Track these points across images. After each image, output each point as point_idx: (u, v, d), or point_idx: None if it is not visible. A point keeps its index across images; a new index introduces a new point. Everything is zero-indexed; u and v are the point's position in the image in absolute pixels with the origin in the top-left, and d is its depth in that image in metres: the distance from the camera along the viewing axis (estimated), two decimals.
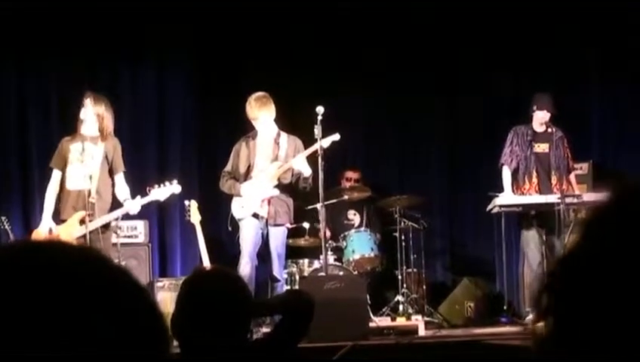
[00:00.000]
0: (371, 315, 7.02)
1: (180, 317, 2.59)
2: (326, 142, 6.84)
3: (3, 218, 7.43)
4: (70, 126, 6.97)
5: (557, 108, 7.61)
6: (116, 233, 6.88)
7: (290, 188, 7.15)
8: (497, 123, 8.54)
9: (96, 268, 0.85)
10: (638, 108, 8.92)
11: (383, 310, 7.75)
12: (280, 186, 7.08)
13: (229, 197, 7.23)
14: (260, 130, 7.13)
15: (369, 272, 8.03)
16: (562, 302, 0.88)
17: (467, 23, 8.95)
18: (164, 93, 9.01)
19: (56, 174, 6.82)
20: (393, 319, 7.47)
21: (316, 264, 7.60)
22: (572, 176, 7.78)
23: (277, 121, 7.17)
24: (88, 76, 8.53)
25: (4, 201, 8.20)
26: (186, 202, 7.33)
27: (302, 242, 7.94)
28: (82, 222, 6.54)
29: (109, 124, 6.77)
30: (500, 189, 7.58)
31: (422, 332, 6.89)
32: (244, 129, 7.30)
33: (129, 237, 7.93)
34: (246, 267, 6.86)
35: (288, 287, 7.40)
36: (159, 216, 8.65)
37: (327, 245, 7.24)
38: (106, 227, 6.65)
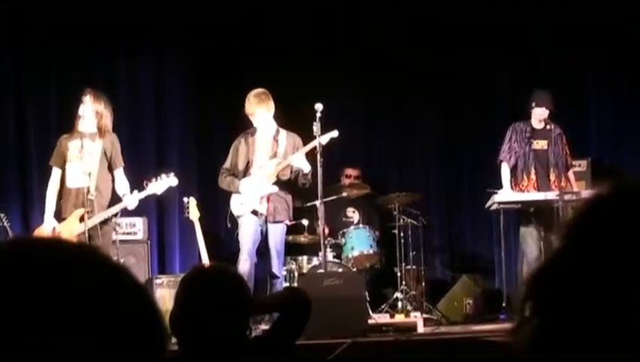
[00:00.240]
0: (370, 312, 7.03)
1: (179, 314, 2.59)
2: (324, 139, 6.84)
3: (2, 215, 7.43)
4: (69, 123, 6.96)
5: (556, 105, 7.62)
6: (115, 230, 6.88)
7: (290, 185, 7.15)
8: (496, 121, 8.54)
9: (94, 266, 0.85)
10: (637, 105, 8.94)
11: (382, 307, 7.75)
12: (279, 183, 7.07)
13: (228, 194, 7.23)
14: (257, 126, 7.12)
15: (368, 269, 8.03)
16: (547, 303, 0.88)
17: (467, 22, 8.94)
18: (163, 90, 9.00)
19: (55, 172, 6.81)
20: (392, 316, 7.48)
21: (315, 261, 7.60)
22: (570, 173, 7.78)
23: (276, 117, 7.17)
24: (87, 73, 8.52)
25: (3, 199, 8.19)
26: (185, 199, 7.34)
27: (301, 239, 7.94)
28: (82, 219, 6.55)
29: (108, 121, 6.76)
30: (499, 186, 7.59)
31: (421, 329, 6.89)
32: (244, 126, 7.29)
33: (128, 234, 7.93)
34: (245, 264, 6.86)
35: (287, 284, 7.40)
36: (158, 213, 8.65)
37: (326, 242, 7.25)
38: (104, 223, 6.65)
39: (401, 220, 8.21)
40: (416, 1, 8.95)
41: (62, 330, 0.78)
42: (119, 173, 6.82)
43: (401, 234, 8.17)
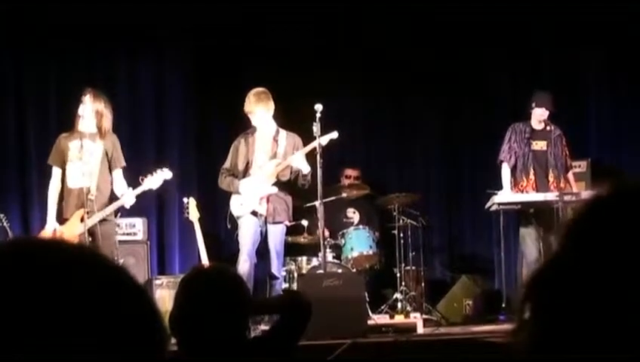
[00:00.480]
0: (370, 313, 7.03)
1: (179, 314, 2.59)
2: (324, 140, 6.85)
3: (1, 215, 7.43)
4: (68, 123, 6.95)
5: (556, 106, 7.62)
6: (115, 231, 6.88)
7: (289, 185, 7.15)
8: (496, 121, 8.54)
9: (93, 266, 0.85)
10: (637, 105, 8.94)
11: (382, 307, 7.75)
12: (279, 184, 7.07)
13: (227, 195, 7.23)
14: (256, 125, 7.11)
15: (367, 270, 8.03)
16: (547, 304, 0.88)
17: (467, 22, 8.94)
18: (163, 90, 9.01)
19: (56, 172, 6.79)
20: (392, 317, 7.48)
21: (315, 261, 7.59)
22: (570, 174, 7.78)
23: (276, 117, 7.16)
24: (87, 73, 8.53)
25: (2, 199, 8.19)
26: (185, 199, 7.34)
27: (301, 240, 7.94)
28: (83, 219, 6.54)
29: (108, 121, 6.75)
30: (499, 187, 7.59)
31: (420, 329, 6.89)
32: (243, 126, 7.29)
33: (127, 234, 7.93)
34: (245, 264, 6.86)
35: (287, 285, 7.40)
36: (158, 213, 8.65)
37: (325, 243, 7.25)
38: (105, 223, 6.64)
39: (401, 221, 8.21)
40: (416, 1, 8.95)
41: (62, 331, 0.78)
42: (117, 174, 6.81)
43: (401, 235, 8.17)
